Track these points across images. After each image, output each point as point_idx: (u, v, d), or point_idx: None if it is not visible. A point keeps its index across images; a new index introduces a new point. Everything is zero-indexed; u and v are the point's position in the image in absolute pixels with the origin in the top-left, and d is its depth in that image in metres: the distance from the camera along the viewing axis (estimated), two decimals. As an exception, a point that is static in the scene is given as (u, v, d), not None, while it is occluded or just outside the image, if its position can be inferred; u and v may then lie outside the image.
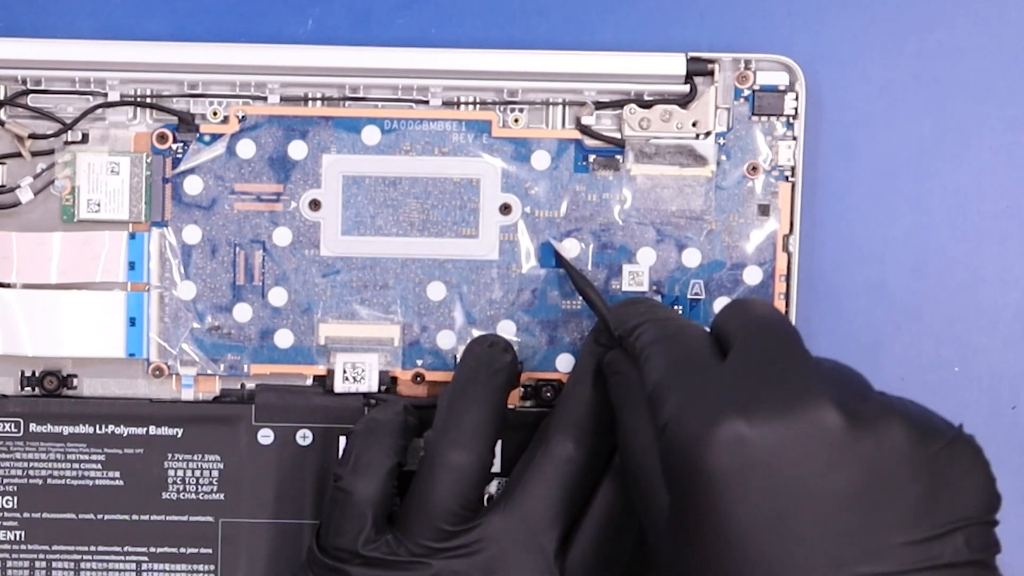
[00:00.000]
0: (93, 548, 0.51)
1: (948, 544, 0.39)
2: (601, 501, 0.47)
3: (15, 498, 0.51)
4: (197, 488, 0.51)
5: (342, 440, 0.50)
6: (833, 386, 0.40)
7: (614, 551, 0.47)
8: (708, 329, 0.45)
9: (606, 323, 0.47)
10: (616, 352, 0.46)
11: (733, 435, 0.39)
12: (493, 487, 0.50)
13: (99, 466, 0.51)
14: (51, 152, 0.50)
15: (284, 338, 0.51)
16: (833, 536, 0.39)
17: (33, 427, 0.51)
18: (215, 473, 0.51)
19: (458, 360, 0.49)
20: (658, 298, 0.51)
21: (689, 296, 0.51)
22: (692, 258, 0.51)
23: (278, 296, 0.51)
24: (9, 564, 0.51)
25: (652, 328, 0.45)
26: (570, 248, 0.51)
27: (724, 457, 0.39)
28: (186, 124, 0.51)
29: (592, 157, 0.51)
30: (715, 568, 0.39)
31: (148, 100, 0.51)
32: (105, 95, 0.50)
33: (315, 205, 0.51)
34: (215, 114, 0.51)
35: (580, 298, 0.51)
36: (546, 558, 0.46)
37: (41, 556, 0.51)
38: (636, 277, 0.51)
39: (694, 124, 0.51)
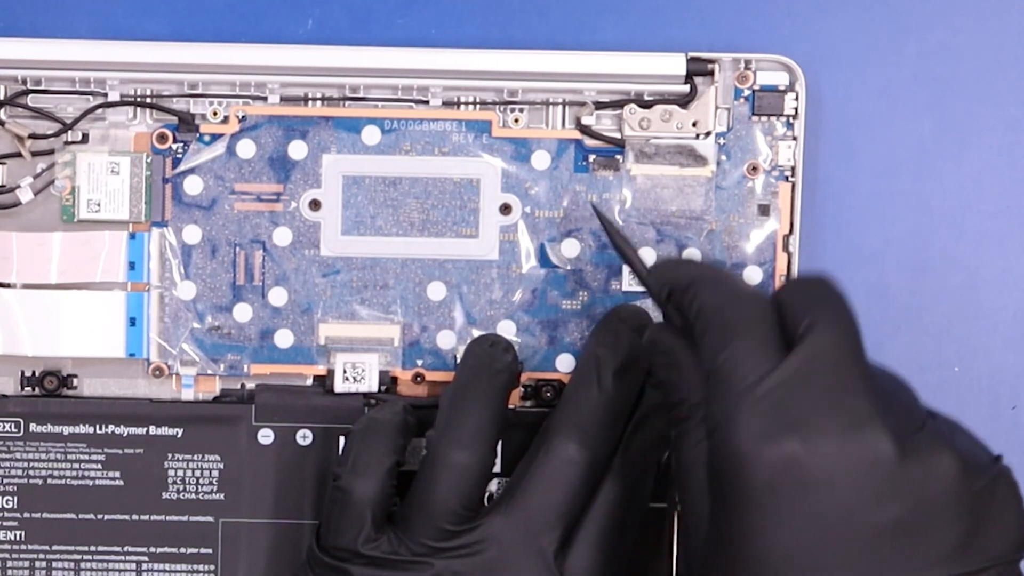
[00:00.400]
0: (93, 548, 0.51)
1: None
2: (602, 503, 0.47)
3: (15, 498, 0.51)
4: (197, 488, 0.51)
5: (342, 440, 0.50)
6: (890, 410, 0.40)
7: (614, 553, 0.47)
8: (768, 297, 0.42)
9: (647, 284, 0.46)
10: (659, 327, 0.44)
11: (786, 454, 0.39)
12: (494, 487, 0.50)
13: (99, 466, 0.51)
14: (51, 152, 0.50)
15: (284, 338, 0.51)
16: (873, 565, 0.38)
17: (33, 427, 0.51)
18: (215, 473, 0.51)
19: (459, 360, 0.49)
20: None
21: (689, 296, 0.51)
22: (692, 258, 0.51)
23: (278, 296, 0.51)
24: (9, 564, 0.51)
25: (709, 289, 0.42)
26: (570, 248, 0.51)
27: (774, 475, 0.39)
28: (186, 124, 0.50)
29: (592, 157, 0.51)
30: None
31: (148, 100, 0.51)
32: (105, 95, 0.50)
33: (315, 205, 0.51)
34: (215, 114, 0.51)
35: (580, 298, 0.51)
36: (546, 560, 0.46)
37: (41, 556, 0.51)
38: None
39: (694, 124, 0.50)
